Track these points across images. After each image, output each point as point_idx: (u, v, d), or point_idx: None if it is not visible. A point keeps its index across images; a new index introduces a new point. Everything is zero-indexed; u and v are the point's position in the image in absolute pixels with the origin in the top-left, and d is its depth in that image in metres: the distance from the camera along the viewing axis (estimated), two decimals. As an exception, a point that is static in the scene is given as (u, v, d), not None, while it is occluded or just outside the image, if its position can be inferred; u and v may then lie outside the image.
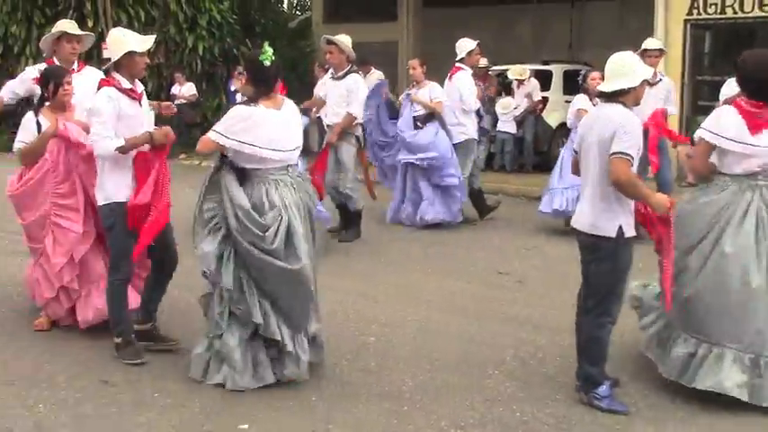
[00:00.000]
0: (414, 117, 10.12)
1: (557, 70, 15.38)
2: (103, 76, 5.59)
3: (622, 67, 4.82)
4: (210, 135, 5.16)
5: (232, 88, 16.28)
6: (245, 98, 5.43)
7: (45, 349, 5.83)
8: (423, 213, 10.05)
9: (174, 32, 18.17)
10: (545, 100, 14.79)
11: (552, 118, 14.70)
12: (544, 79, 15.13)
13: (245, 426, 4.67)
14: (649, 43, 9.64)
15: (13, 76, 18.06)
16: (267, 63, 5.22)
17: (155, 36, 5.93)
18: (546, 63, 15.85)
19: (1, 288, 6.86)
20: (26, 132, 6.10)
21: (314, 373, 5.31)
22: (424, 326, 6.44)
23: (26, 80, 6.55)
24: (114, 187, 5.44)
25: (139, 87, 5.66)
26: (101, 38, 12.73)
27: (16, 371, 5.43)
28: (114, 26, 17.41)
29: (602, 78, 5.07)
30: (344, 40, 9.33)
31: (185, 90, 17.46)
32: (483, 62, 15.01)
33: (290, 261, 5.06)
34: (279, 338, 5.08)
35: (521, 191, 12.64)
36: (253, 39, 18.44)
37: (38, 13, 17.71)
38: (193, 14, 18.36)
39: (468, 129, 10.30)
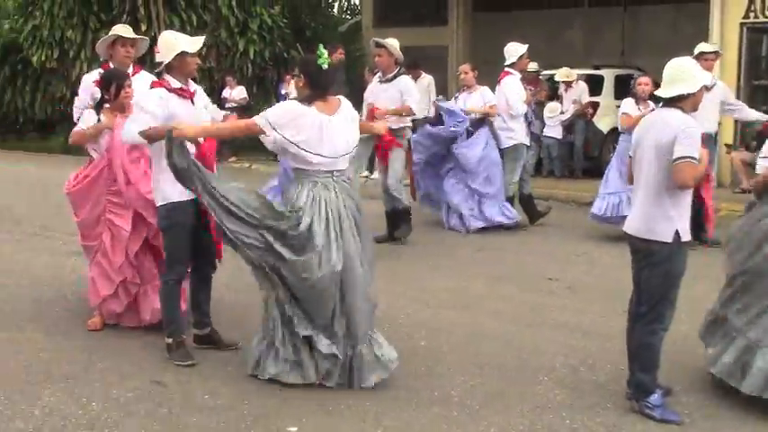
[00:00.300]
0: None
1: (608, 75, 15.24)
2: (155, 79, 5.69)
3: (682, 73, 4.77)
4: (258, 120, 5.15)
5: (282, 92, 16.39)
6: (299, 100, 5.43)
7: (98, 348, 5.91)
8: (469, 223, 10.08)
9: (225, 36, 18.36)
10: (596, 105, 14.65)
11: (603, 123, 14.56)
12: (595, 84, 14.99)
13: (294, 428, 4.68)
14: (704, 46, 9.51)
15: (68, 79, 18.53)
16: (324, 65, 5.26)
17: (204, 37, 6.00)
18: (597, 68, 15.71)
19: (55, 288, 6.97)
20: (84, 123, 6.24)
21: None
22: (474, 331, 6.41)
23: (88, 87, 6.64)
24: (170, 188, 5.50)
25: (192, 86, 5.74)
26: (153, 42, 12.88)
27: (70, 369, 5.51)
28: (167, 30, 17.70)
29: (652, 83, 5.06)
30: (393, 43, 9.36)
31: (236, 94, 17.61)
32: (533, 66, 14.97)
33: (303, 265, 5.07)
34: (303, 333, 5.13)
35: (571, 196, 12.54)
36: (303, 43, 18.54)
37: (93, 18, 17.99)
38: (245, 18, 18.52)
39: (516, 134, 10.25)
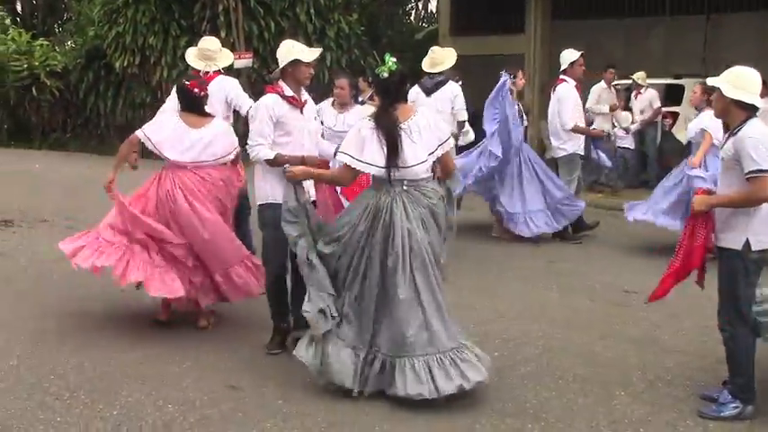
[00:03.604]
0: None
1: (689, 84, 14.91)
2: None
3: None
4: (345, 160, 5.23)
5: (360, 99, 16.45)
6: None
7: (173, 351, 6.00)
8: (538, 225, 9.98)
9: (302, 43, 18.50)
10: (675, 115, 14.37)
11: (683, 134, 14.21)
12: (675, 93, 14.71)
13: (367, 436, 4.69)
14: None
15: (149, 85, 18.92)
16: (385, 74, 5.26)
17: (321, 49, 6.18)
18: (678, 77, 15.41)
19: (130, 290, 7.04)
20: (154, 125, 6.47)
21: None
22: (548, 343, 6.33)
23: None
24: (272, 189, 5.73)
25: (304, 96, 5.93)
26: (232, 48, 13.05)
27: (147, 370, 5.61)
28: (245, 37, 17.95)
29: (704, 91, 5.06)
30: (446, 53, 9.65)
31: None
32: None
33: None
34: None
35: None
36: (379, 50, 18.60)
37: (174, 25, 18.34)
38: (322, 26, 18.68)
39: (567, 144, 10.14)
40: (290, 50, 5.83)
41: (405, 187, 5.17)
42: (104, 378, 5.46)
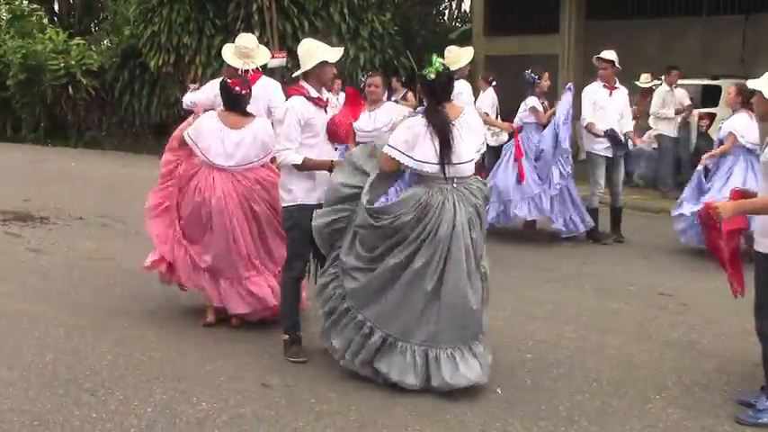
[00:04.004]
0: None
1: (725, 85, 14.75)
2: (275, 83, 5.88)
3: None
4: (389, 151, 5.22)
5: (392, 98, 16.43)
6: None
7: (207, 349, 6.03)
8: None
9: (336, 43, 18.55)
10: (712, 116, 14.21)
11: (719, 135, 14.09)
12: (712, 95, 14.54)
13: (400, 436, 4.67)
14: None
15: (183, 84, 19.08)
16: (432, 76, 5.27)
17: (343, 48, 6.12)
18: (715, 77, 15.23)
19: (167, 288, 7.10)
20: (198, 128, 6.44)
21: (469, 388, 5.26)
22: (581, 345, 6.28)
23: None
24: (302, 191, 5.69)
25: (325, 95, 5.89)
26: (266, 47, 13.02)
27: (181, 369, 5.63)
28: (279, 36, 18.01)
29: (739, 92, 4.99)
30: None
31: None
32: (645, 78, 14.64)
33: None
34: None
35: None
36: (413, 50, 18.59)
37: (208, 24, 18.45)
38: (356, 25, 18.70)
39: (586, 143, 10.19)
40: (315, 51, 5.71)
41: (455, 185, 5.23)
42: (139, 375, 5.49)
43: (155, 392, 5.19)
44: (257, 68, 7.51)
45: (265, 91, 7.38)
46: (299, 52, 5.80)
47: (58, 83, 21.21)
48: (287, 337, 5.84)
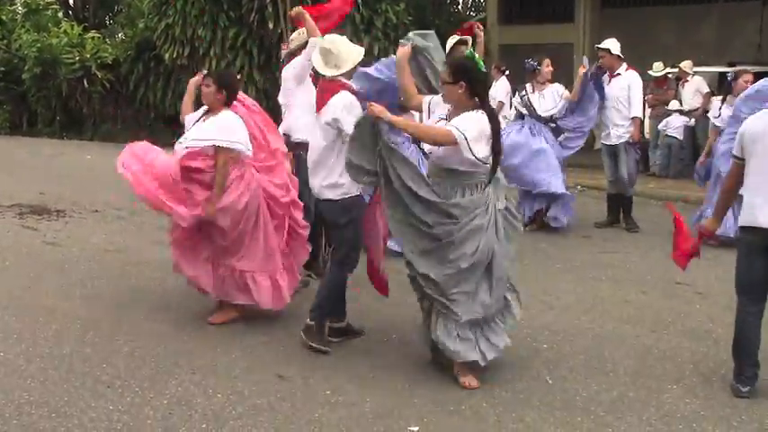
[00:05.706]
0: None
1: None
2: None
3: None
4: (456, 135, 4.97)
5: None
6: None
7: (223, 342, 6.03)
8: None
9: (350, 33, 18.50)
10: (729, 104, 14.08)
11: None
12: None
13: (416, 428, 4.66)
14: None
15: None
16: (483, 68, 5.28)
17: (363, 48, 6.10)
18: (732, 65, 15.10)
19: (182, 281, 7.10)
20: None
21: (486, 379, 5.25)
22: (599, 335, 6.25)
23: None
24: (350, 183, 5.58)
25: None
26: (280, 39, 13.01)
27: (198, 361, 5.64)
28: (293, 28, 17.97)
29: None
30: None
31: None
32: (658, 66, 14.57)
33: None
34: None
35: (702, 198, 12.06)
36: (427, 40, 18.49)
37: (222, 16, 18.42)
38: (369, 16, 18.62)
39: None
40: (353, 52, 5.75)
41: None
42: (155, 367, 5.50)
43: (170, 385, 5.20)
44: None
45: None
46: (331, 48, 5.71)
47: (73, 76, 21.22)
48: (313, 323, 5.81)
